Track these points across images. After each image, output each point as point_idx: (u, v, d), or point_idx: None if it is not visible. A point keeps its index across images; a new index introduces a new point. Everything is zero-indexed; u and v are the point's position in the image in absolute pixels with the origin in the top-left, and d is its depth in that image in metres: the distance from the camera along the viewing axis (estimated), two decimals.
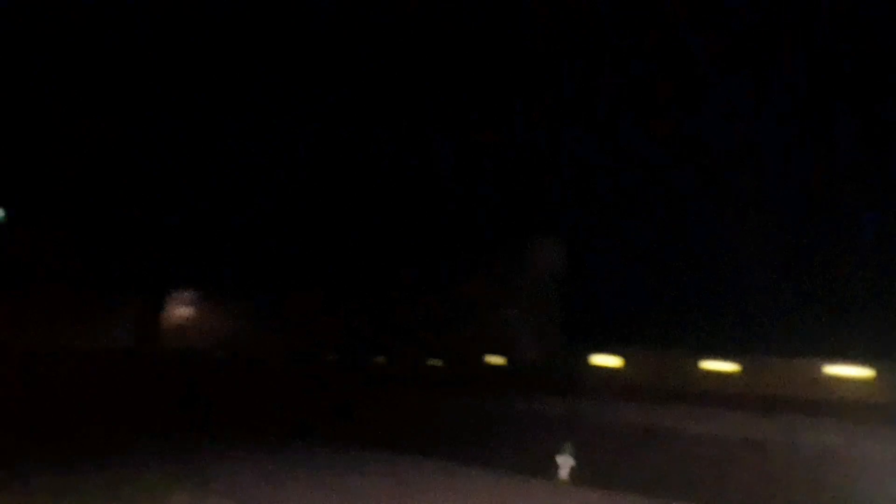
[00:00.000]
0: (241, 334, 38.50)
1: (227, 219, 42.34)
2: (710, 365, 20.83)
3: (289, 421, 26.04)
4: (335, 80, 36.93)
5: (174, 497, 14.17)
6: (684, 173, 28.99)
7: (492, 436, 20.75)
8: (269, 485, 15.98)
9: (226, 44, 35.80)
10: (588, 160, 31.71)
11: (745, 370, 20.27)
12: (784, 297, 24.59)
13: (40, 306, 33.96)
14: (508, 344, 28.43)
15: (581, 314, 28.42)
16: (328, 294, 38.49)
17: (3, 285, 33.23)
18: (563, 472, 18.58)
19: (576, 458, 18.46)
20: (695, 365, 20.97)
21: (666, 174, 29.77)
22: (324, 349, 35.99)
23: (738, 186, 27.27)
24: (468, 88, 34.39)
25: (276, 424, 25.67)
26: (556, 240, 30.10)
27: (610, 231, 30.30)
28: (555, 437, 18.97)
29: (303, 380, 29.17)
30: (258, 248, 40.66)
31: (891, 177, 25.15)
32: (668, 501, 16.34)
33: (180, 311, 40.09)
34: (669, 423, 18.56)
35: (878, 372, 18.07)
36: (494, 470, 19.34)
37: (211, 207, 42.17)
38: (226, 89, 38.24)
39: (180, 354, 34.93)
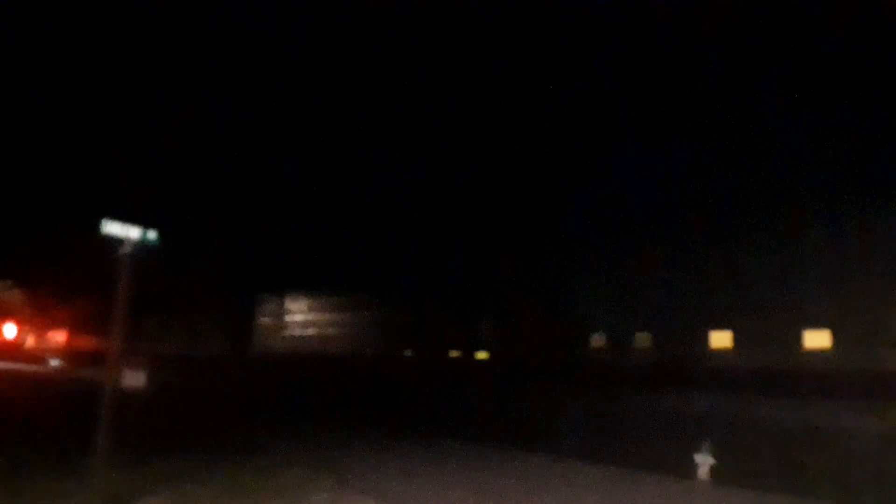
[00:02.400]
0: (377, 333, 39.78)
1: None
2: None
3: (426, 418, 26.02)
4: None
5: (315, 492, 14.31)
6: None
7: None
8: (407, 482, 15.85)
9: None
10: None
11: None
12: None
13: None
14: None
15: None
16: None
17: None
18: (703, 472, 17.65)
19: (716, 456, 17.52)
20: None
21: None
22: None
23: None
24: None
25: (411, 420, 25.77)
26: None
27: None
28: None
29: (442, 376, 29.42)
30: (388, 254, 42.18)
31: None
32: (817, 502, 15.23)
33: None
34: None
35: None
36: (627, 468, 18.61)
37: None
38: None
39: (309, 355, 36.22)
